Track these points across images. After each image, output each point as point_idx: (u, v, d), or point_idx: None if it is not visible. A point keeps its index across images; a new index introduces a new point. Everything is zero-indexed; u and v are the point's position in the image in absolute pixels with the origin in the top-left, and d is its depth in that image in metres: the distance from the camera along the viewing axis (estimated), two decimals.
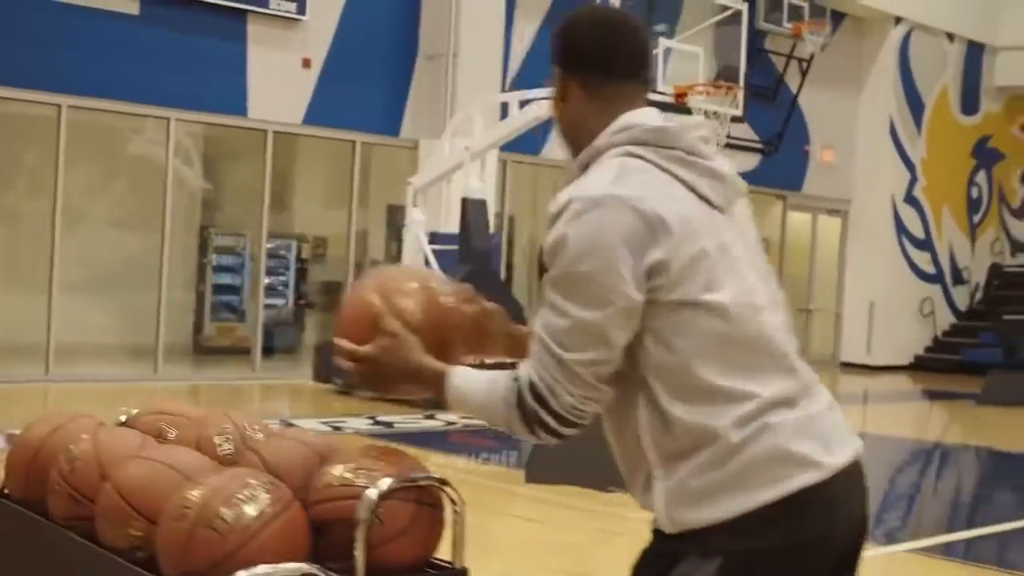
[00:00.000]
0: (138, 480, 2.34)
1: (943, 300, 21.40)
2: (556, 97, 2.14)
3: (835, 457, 1.98)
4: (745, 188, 2.10)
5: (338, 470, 2.35)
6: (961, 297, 21.77)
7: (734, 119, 14.02)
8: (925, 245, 21.00)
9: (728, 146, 18.17)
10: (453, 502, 2.42)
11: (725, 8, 14.53)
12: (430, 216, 12.63)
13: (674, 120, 2.09)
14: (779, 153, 18.86)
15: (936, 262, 21.23)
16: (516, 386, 1.95)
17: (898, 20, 20.15)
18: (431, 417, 10.55)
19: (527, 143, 14.14)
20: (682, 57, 13.63)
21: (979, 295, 22.03)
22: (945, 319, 21.40)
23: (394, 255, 14.79)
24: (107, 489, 2.36)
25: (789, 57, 18.58)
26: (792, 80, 18.72)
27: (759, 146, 18.59)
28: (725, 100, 12.96)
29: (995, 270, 22.37)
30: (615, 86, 2.09)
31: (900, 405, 16.47)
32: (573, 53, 2.11)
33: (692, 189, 1.99)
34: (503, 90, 13.81)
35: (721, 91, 12.87)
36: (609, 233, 1.89)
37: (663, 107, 12.82)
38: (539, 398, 1.93)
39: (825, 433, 1.99)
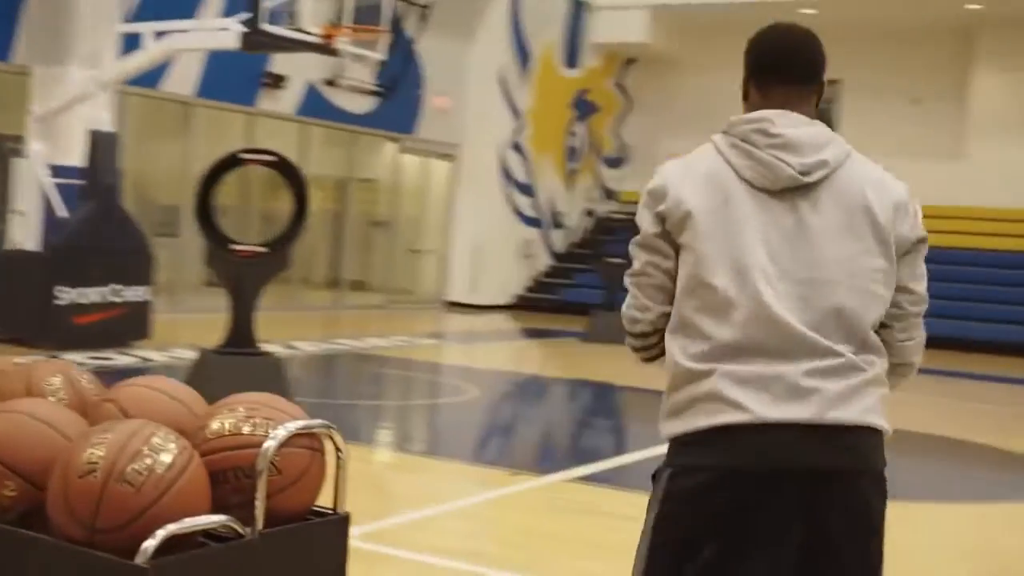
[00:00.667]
0: (4, 436, 2.23)
1: (542, 243, 22.64)
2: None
3: (773, 411, 2.33)
4: (796, 178, 2.44)
5: (228, 418, 2.37)
6: (559, 240, 23.12)
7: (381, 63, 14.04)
8: (528, 190, 22.09)
9: (345, 86, 18.39)
10: (338, 448, 2.50)
11: None
12: (51, 148, 11.97)
13: (765, 116, 2.53)
14: (395, 97, 19.20)
15: (537, 207, 22.40)
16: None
17: None
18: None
19: (147, 76, 13.72)
20: None
21: (575, 239, 23.48)
22: (544, 261, 22.68)
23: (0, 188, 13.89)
24: None
25: (408, 2, 18.92)
26: (409, 26, 19.10)
27: (377, 89, 18.84)
28: (370, 42, 13.06)
29: (589, 215, 23.93)
30: (768, 87, 2.61)
31: (513, 343, 17.40)
32: (746, 61, 2.67)
33: (736, 171, 2.49)
34: (126, 19, 13.22)
35: (368, 34, 12.93)
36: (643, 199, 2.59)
37: (310, 47, 12.74)
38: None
39: (773, 391, 2.34)
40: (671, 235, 2.46)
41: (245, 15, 11.69)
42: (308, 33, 11.70)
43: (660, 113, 24.41)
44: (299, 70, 17.37)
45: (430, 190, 21.20)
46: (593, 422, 10.83)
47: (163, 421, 2.34)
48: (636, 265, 2.53)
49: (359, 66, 18.14)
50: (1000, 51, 21.50)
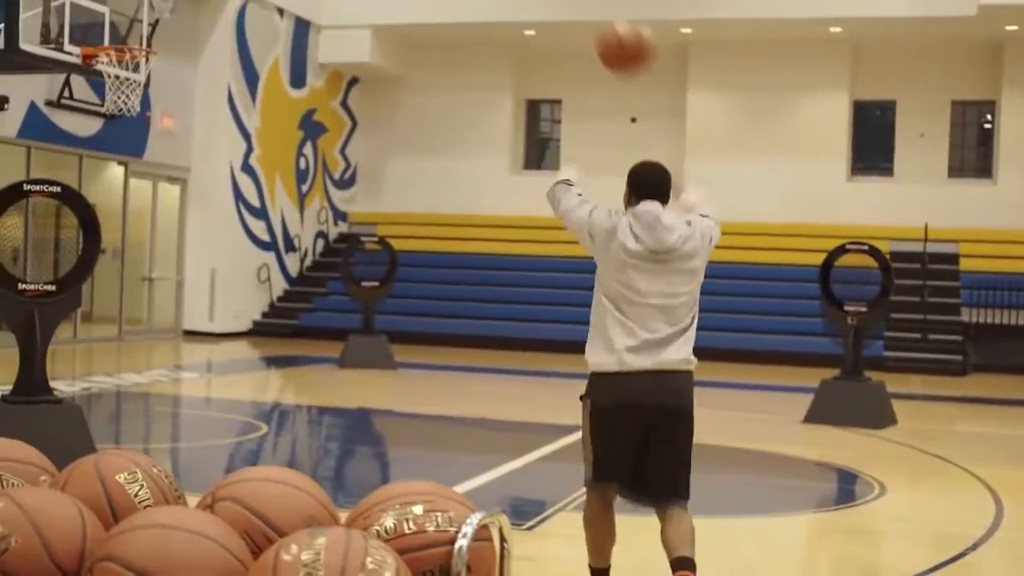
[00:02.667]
0: (162, 553, 1.82)
1: (277, 267, 22.12)
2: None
3: (634, 362, 4.52)
4: (672, 248, 4.68)
5: (404, 514, 2.15)
6: (293, 264, 22.65)
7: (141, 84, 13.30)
8: (261, 213, 21.53)
9: (71, 108, 17.38)
10: (503, 537, 2.32)
11: None
12: None
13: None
14: (121, 118, 18.25)
15: (271, 230, 21.87)
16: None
17: None
18: None
19: None
20: (82, 13, 12.69)
21: (308, 262, 23.08)
22: (280, 285, 22.16)
23: None
24: (108, 571, 1.79)
25: (133, 20, 18.03)
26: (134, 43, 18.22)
27: (101, 109, 17.85)
28: (129, 64, 12.31)
29: (322, 237, 23.58)
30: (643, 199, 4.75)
31: (273, 371, 16.90)
32: (631, 180, 4.81)
33: (635, 235, 4.65)
34: None
35: (128, 55, 12.21)
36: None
37: (70, 68, 11.95)
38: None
39: (639, 352, 4.54)
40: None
41: None
42: (68, 53, 10.96)
43: (385, 132, 24.40)
44: (21, 90, 16.26)
45: (160, 215, 20.29)
46: (406, 454, 10.65)
47: (298, 518, 2.11)
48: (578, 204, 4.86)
49: (85, 89, 17.21)
50: (710, 70, 22.74)
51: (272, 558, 1.83)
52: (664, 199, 4.66)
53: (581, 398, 4.61)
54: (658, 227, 4.55)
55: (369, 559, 1.89)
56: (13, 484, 2.19)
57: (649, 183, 4.65)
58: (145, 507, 2.15)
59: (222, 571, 1.84)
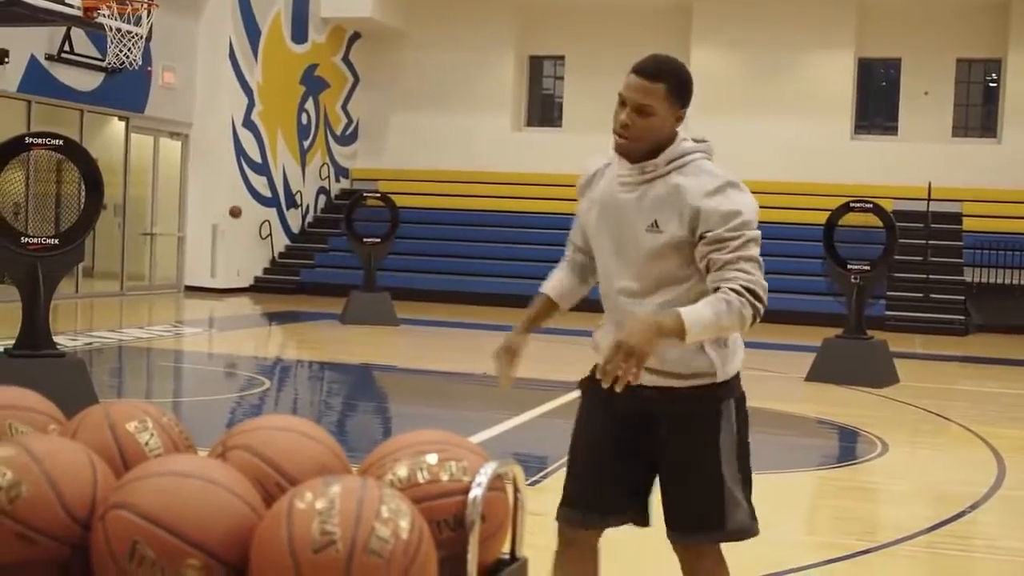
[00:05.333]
0: (174, 501, 1.78)
1: (279, 223, 22.08)
2: (663, 123, 3.16)
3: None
4: None
5: (419, 463, 2.13)
6: (294, 220, 22.61)
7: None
8: (262, 169, 21.47)
9: (71, 62, 17.28)
10: (517, 488, 2.31)
11: None
12: None
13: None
14: (121, 73, 18.15)
15: (272, 186, 21.81)
16: (744, 299, 3.01)
17: None
18: None
19: None
20: None
21: (310, 218, 23.03)
22: (281, 241, 22.13)
23: None
24: (120, 518, 1.77)
25: None
26: None
27: (102, 63, 17.73)
28: (131, 16, 12.22)
29: (324, 194, 23.53)
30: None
31: (274, 328, 16.89)
32: (690, 101, 3.22)
33: None
34: None
35: (130, 7, 12.11)
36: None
37: (71, 20, 11.87)
38: (758, 296, 3.04)
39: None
40: None
41: None
42: (69, 6, 10.88)
43: (387, 88, 24.28)
44: (21, 44, 16.17)
45: (161, 170, 20.22)
46: (409, 410, 10.66)
47: (311, 467, 2.08)
48: (756, 251, 3.13)
49: (86, 43, 17.11)
50: (714, 27, 22.59)
51: (286, 506, 1.81)
52: None
53: (721, 402, 3.36)
54: None
55: (384, 507, 1.87)
56: (22, 432, 2.18)
57: None
58: (156, 456, 2.13)
59: (235, 519, 1.82)
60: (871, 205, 12.35)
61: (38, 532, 1.75)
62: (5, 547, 1.76)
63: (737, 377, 3.35)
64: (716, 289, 3.04)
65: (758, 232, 3.14)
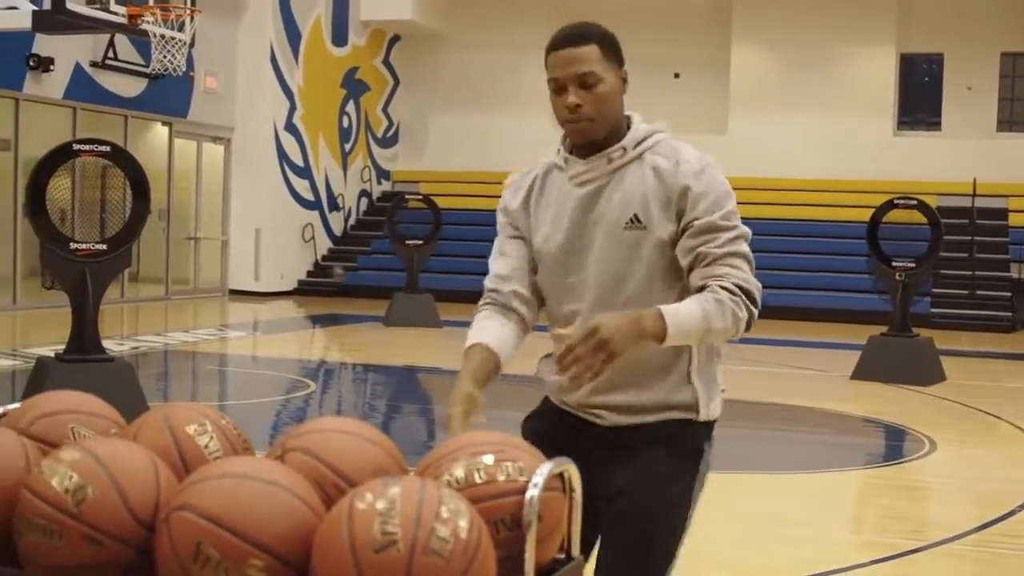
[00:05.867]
0: (237, 502, 1.80)
1: (321, 226, 22.21)
2: (612, 88, 2.67)
3: None
4: None
5: (475, 464, 2.14)
6: (336, 223, 22.73)
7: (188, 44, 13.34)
8: (304, 173, 21.59)
9: (115, 69, 17.47)
10: (571, 488, 2.32)
11: None
12: None
13: None
14: (164, 78, 18.32)
15: (314, 189, 21.94)
16: (739, 299, 2.54)
17: None
18: None
19: None
20: None
21: (352, 221, 23.15)
22: (324, 244, 22.26)
23: None
24: (184, 520, 1.78)
25: None
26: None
27: (145, 70, 17.91)
28: (174, 23, 12.34)
29: (365, 196, 23.64)
30: None
31: (318, 331, 16.99)
32: (617, 45, 2.71)
33: None
34: None
35: (173, 14, 12.24)
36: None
37: (116, 28, 12.00)
38: (752, 298, 2.57)
39: None
40: None
41: None
42: (114, 13, 11.00)
43: (427, 90, 24.34)
44: (65, 52, 16.37)
45: (205, 175, 20.40)
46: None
47: (369, 470, 2.10)
48: (747, 247, 2.65)
49: (130, 50, 17.29)
50: (754, 25, 22.50)
51: (346, 507, 1.84)
52: None
53: (696, 444, 2.75)
54: None
55: (443, 507, 1.89)
56: (84, 436, 2.21)
57: None
58: (215, 458, 2.16)
59: (296, 520, 1.85)
60: (915, 202, 12.26)
61: (104, 534, 1.79)
62: (73, 549, 1.80)
63: (713, 426, 2.73)
64: (702, 288, 2.54)
65: (747, 228, 2.66)
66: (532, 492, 2.11)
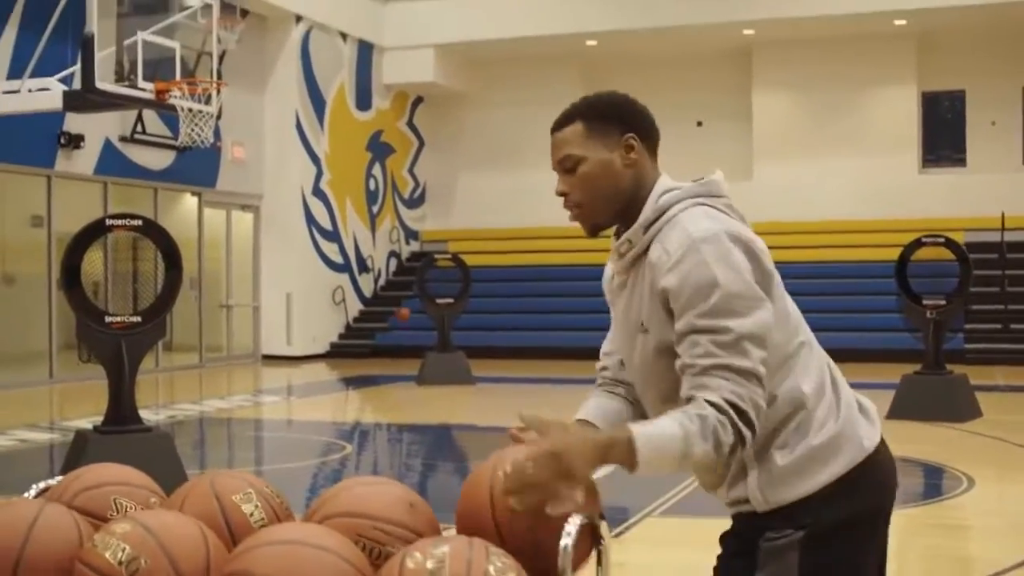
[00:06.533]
0: (292, 567, 1.86)
1: (351, 288, 22.36)
2: (598, 166, 2.37)
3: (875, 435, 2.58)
4: None
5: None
6: (366, 284, 22.88)
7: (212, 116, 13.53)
8: (333, 236, 21.79)
9: (144, 143, 17.75)
10: (600, 536, 2.37)
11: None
12: None
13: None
14: (192, 150, 18.57)
15: (343, 252, 22.12)
16: (725, 418, 2.15)
17: (299, 19, 20.69)
18: None
19: None
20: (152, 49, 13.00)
21: (382, 282, 23.30)
22: (355, 306, 22.40)
23: None
24: None
25: (200, 53, 18.36)
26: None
27: (173, 142, 18.17)
28: (201, 96, 12.55)
29: (395, 257, 23.83)
30: (653, 155, 2.45)
31: (352, 392, 17.05)
32: (643, 124, 2.42)
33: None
34: None
35: (200, 88, 12.46)
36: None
37: (144, 104, 12.22)
38: (747, 418, 2.17)
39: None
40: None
41: (67, 73, 11.13)
42: (142, 90, 11.21)
43: (452, 149, 24.59)
44: (95, 128, 16.66)
45: (234, 243, 20.62)
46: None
47: (399, 506, 2.17)
48: (762, 353, 2.20)
49: (157, 123, 17.57)
50: (774, 70, 22.62)
51: (397, 568, 1.90)
52: None
53: (777, 539, 2.36)
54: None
55: (491, 566, 1.95)
56: (127, 507, 2.28)
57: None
58: (259, 526, 2.23)
59: None
60: (943, 239, 12.26)
61: None
62: None
63: (815, 501, 2.33)
64: (689, 400, 2.18)
65: (759, 315, 2.19)
66: (566, 541, 2.16)
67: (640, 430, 2.11)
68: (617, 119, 2.39)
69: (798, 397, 2.34)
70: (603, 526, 2.39)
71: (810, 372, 2.40)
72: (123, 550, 1.87)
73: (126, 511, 2.23)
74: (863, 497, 2.40)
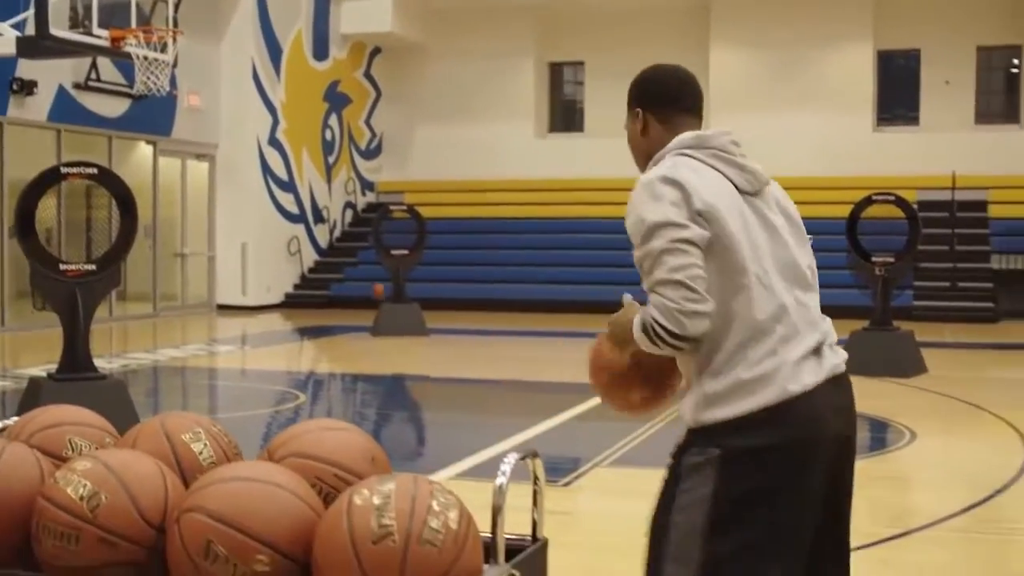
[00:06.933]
0: (244, 503, 1.97)
1: (307, 238, 22.32)
2: (631, 132, 2.92)
3: (810, 376, 2.81)
4: (768, 177, 2.84)
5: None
6: (322, 235, 22.85)
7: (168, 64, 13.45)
8: (289, 186, 21.71)
9: (98, 90, 17.58)
10: (536, 476, 2.46)
11: None
12: None
13: (710, 129, 2.82)
14: (148, 98, 18.41)
15: (299, 202, 22.06)
16: (653, 328, 2.59)
17: None
18: None
19: None
20: None
21: (338, 232, 23.27)
22: (310, 256, 22.37)
23: None
24: (194, 521, 1.94)
25: (156, 0, 18.16)
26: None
27: (128, 90, 18.00)
28: (157, 44, 12.44)
29: (350, 208, 23.78)
30: (670, 117, 2.86)
31: (306, 342, 17.08)
32: (650, 98, 2.88)
33: (726, 177, 2.72)
34: None
35: (156, 36, 12.35)
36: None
37: (99, 51, 12.11)
38: (668, 329, 2.59)
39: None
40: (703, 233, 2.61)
41: (20, 19, 11.01)
42: (97, 37, 11.10)
43: (409, 101, 24.50)
44: (48, 75, 16.47)
45: (190, 192, 20.50)
46: (443, 418, 10.82)
47: (361, 457, 2.25)
48: (683, 260, 2.55)
49: (112, 70, 17.41)
50: (732, 27, 22.69)
51: (345, 503, 1.99)
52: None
53: (680, 456, 2.67)
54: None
55: (434, 501, 2.04)
56: (81, 446, 2.35)
57: (693, 91, 2.90)
58: (209, 464, 2.30)
59: (298, 518, 2.01)
60: (893, 197, 12.44)
61: (118, 536, 1.94)
62: (89, 551, 1.94)
63: (731, 425, 2.57)
64: None
65: (674, 234, 2.55)
66: (500, 480, 2.26)
67: (636, 318, 2.61)
68: (633, 96, 2.90)
69: (739, 324, 2.62)
70: (537, 463, 2.49)
71: (755, 308, 2.62)
72: (84, 486, 1.94)
73: (81, 450, 2.30)
74: (783, 430, 2.58)
